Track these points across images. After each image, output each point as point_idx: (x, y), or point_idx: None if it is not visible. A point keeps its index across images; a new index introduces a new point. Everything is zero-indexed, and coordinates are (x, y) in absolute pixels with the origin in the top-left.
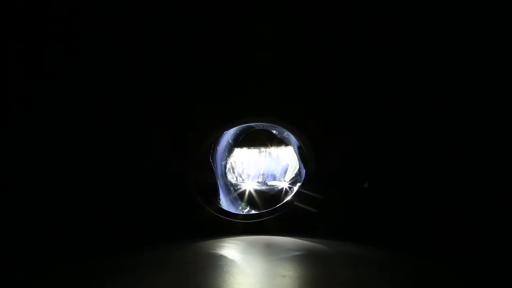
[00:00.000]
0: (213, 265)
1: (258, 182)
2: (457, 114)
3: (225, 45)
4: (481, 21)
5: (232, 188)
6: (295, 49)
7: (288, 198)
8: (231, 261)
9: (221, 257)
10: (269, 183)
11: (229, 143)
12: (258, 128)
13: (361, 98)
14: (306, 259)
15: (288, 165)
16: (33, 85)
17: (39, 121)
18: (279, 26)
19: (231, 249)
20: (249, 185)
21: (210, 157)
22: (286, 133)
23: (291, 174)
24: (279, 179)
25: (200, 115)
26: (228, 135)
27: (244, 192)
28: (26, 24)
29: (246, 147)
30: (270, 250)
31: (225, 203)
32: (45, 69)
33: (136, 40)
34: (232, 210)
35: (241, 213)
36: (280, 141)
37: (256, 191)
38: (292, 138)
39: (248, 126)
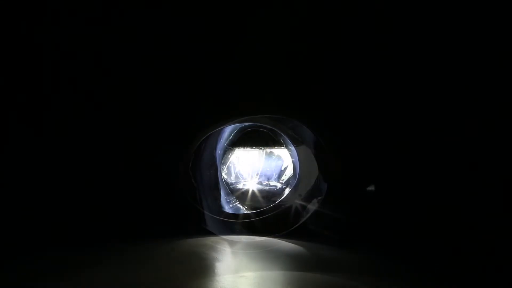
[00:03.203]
0: (177, 262)
1: (255, 182)
2: (457, 114)
3: (226, 42)
4: (481, 22)
5: (228, 188)
6: (299, 45)
7: (282, 198)
8: (200, 259)
9: (193, 254)
10: (265, 183)
11: (228, 143)
12: (254, 128)
13: (360, 99)
14: (279, 260)
15: (287, 165)
16: (31, 85)
17: (39, 121)
18: (282, 23)
19: (209, 248)
20: (246, 185)
21: (207, 157)
22: (282, 135)
23: (288, 174)
24: (276, 179)
25: (199, 114)
26: (227, 134)
27: (240, 191)
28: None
29: (244, 146)
30: (248, 250)
31: (219, 202)
32: (44, 69)
33: (135, 39)
34: (227, 209)
35: (235, 212)
36: (278, 142)
37: (253, 191)
38: (288, 140)
39: (247, 126)
